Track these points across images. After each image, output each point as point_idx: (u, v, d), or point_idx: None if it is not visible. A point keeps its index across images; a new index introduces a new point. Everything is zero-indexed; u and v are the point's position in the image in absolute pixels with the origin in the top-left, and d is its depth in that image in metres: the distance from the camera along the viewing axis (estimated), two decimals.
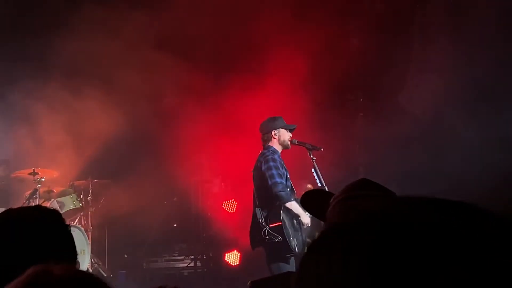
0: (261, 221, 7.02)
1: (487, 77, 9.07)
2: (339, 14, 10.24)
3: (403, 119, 9.79)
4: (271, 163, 7.12)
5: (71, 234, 2.27)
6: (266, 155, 7.23)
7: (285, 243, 6.85)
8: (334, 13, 10.14)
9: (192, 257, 10.85)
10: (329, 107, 10.09)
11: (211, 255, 10.67)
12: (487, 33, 9.22)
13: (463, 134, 9.27)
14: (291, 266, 6.91)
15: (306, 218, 7.05)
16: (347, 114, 10.74)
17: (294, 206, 7.01)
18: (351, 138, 10.54)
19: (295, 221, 7.07)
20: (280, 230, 6.88)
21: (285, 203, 6.96)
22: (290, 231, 6.96)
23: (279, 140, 7.35)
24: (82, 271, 1.40)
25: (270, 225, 6.94)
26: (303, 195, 2.31)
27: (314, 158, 7.33)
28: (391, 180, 9.54)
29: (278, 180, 7.03)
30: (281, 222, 6.89)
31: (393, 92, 10.33)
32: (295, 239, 6.97)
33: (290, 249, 6.86)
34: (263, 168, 7.16)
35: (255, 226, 7.10)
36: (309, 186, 8.18)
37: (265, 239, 6.92)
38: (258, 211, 7.10)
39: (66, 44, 9.65)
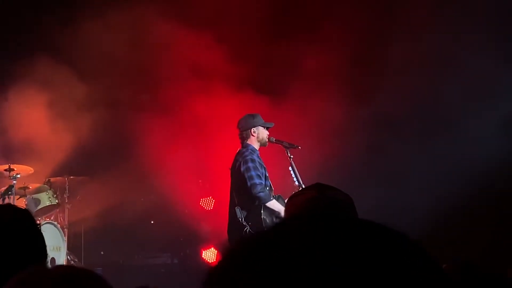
0: (241, 220, 7.02)
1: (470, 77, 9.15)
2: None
3: (382, 119, 9.83)
4: (250, 164, 7.12)
5: (41, 234, 2.26)
6: (245, 155, 7.22)
7: None
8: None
9: (169, 254, 10.83)
10: (309, 106, 10.07)
11: (188, 252, 10.66)
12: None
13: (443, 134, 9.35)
14: None
15: None
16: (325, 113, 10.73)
17: (274, 204, 7.01)
18: (330, 137, 10.53)
19: (276, 220, 7.07)
20: (261, 229, 6.85)
21: (265, 203, 6.96)
22: None
23: (257, 138, 7.34)
24: (75, 268, 1.39)
25: (251, 225, 6.93)
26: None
27: (292, 156, 7.34)
28: (370, 178, 9.67)
29: (257, 181, 7.03)
30: (262, 222, 6.89)
31: (372, 92, 10.34)
32: None
33: None
34: (242, 169, 7.16)
35: (235, 225, 7.09)
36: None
37: None
38: (237, 210, 7.09)
39: (46, 38, 9.60)
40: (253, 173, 7.07)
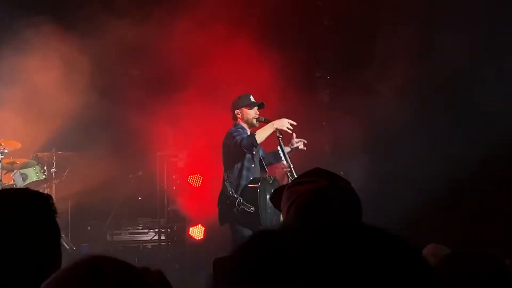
0: (232, 193, 7.12)
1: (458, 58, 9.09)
2: None
3: (370, 98, 9.86)
4: (234, 133, 7.27)
5: (55, 221, 2.18)
6: (228, 131, 7.40)
7: (257, 214, 6.98)
8: None
9: (156, 230, 10.86)
10: (296, 84, 10.07)
11: (175, 228, 10.69)
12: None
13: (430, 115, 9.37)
14: None
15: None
16: (314, 92, 10.76)
17: (261, 134, 7.11)
18: (318, 116, 10.58)
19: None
20: (255, 200, 7.01)
21: (251, 143, 7.05)
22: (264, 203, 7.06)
23: (242, 119, 7.43)
24: (132, 268, 1.37)
25: (243, 198, 7.07)
26: (271, 196, 2.45)
27: (281, 136, 7.36)
28: (357, 157, 9.72)
29: (237, 138, 7.14)
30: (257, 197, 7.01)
31: (360, 70, 10.38)
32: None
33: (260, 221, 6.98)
34: (224, 142, 7.38)
35: (225, 200, 7.20)
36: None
37: (236, 210, 7.03)
38: (227, 184, 7.21)
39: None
40: (234, 134, 7.24)
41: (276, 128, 7.15)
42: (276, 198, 2.37)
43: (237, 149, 7.12)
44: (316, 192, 2.15)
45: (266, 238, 0.85)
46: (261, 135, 7.10)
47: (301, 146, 7.59)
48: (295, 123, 7.21)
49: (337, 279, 0.77)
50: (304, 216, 2.06)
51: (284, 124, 7.12)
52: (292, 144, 7.56)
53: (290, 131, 7.23)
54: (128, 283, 1.26)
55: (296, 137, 7.58)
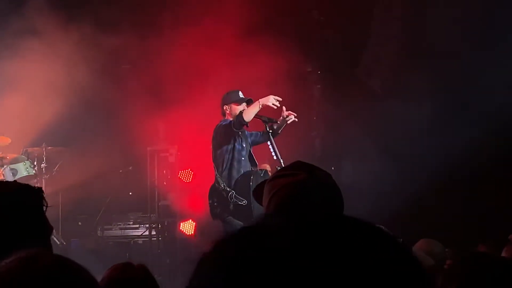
0: (224, 187, 7.17)
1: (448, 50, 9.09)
2: None
3: (361, 92, 9.88)
4: (220, 124, 7.39)
5: (45, 216, 2.18)
6: (217, 125, 7.48)
7: (249, 207, 6.99)
8: None
9: (147, 225, 10.83)
10: (287, 79, 10.07)
11: (166, 224, 10.66)
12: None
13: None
14: None
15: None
16: (305, 86, 10.76)
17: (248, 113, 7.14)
18: (308, 110, 10.57)
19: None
20: (248, 192, 7.02)
21: (240, 122, 7.09)
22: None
23: (231, 114, 7.46)
24: (66, 259, 1.34)
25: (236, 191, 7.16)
26: (254, 189, 2.47)
27: (271, 131, 7.38)
28: (347, 152, 9.73)
29: (225, 123, 7.24)
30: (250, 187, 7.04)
31: (351, 65, 10.39)
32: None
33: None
34: (214, 135, 7.45)
35: (218, 193, 7.22)
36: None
37: (228, 203, 7.06)
38: (218, 178, 7.22)
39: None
40: (224, 123, 7.32)
41: (262, 105, 7.14)
42: (258, 192, 2.39)
43: (228, 131, 7.19)
44: (297, 185, 2.17)
45: (248, 239, 0.85)
46: (249, 113, 7.14)
47: (292, 119, 7.42)
48: (280, 99, 7.20)
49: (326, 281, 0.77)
50: (285, 210, 2.08)
51: (270, 100, 7.12)
52: (283, 117, 7.41)
53: (276, 107, 7.20)
54: (63, 278, 1.22)
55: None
